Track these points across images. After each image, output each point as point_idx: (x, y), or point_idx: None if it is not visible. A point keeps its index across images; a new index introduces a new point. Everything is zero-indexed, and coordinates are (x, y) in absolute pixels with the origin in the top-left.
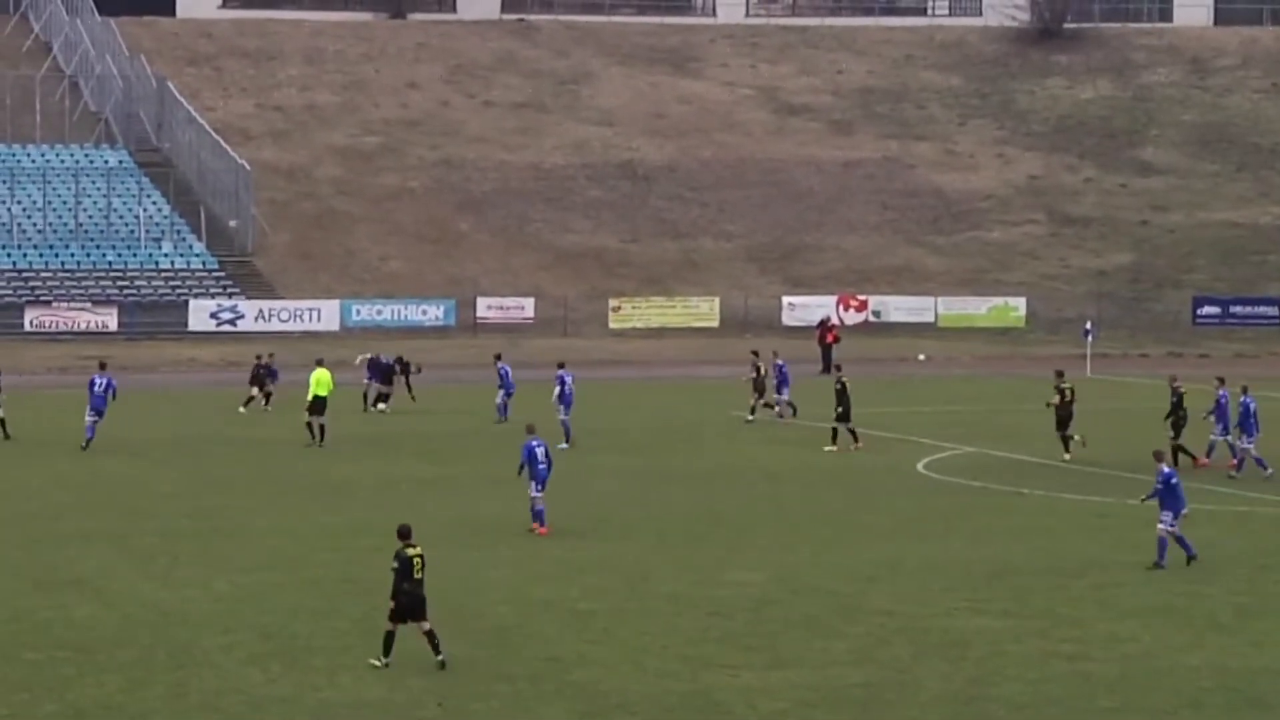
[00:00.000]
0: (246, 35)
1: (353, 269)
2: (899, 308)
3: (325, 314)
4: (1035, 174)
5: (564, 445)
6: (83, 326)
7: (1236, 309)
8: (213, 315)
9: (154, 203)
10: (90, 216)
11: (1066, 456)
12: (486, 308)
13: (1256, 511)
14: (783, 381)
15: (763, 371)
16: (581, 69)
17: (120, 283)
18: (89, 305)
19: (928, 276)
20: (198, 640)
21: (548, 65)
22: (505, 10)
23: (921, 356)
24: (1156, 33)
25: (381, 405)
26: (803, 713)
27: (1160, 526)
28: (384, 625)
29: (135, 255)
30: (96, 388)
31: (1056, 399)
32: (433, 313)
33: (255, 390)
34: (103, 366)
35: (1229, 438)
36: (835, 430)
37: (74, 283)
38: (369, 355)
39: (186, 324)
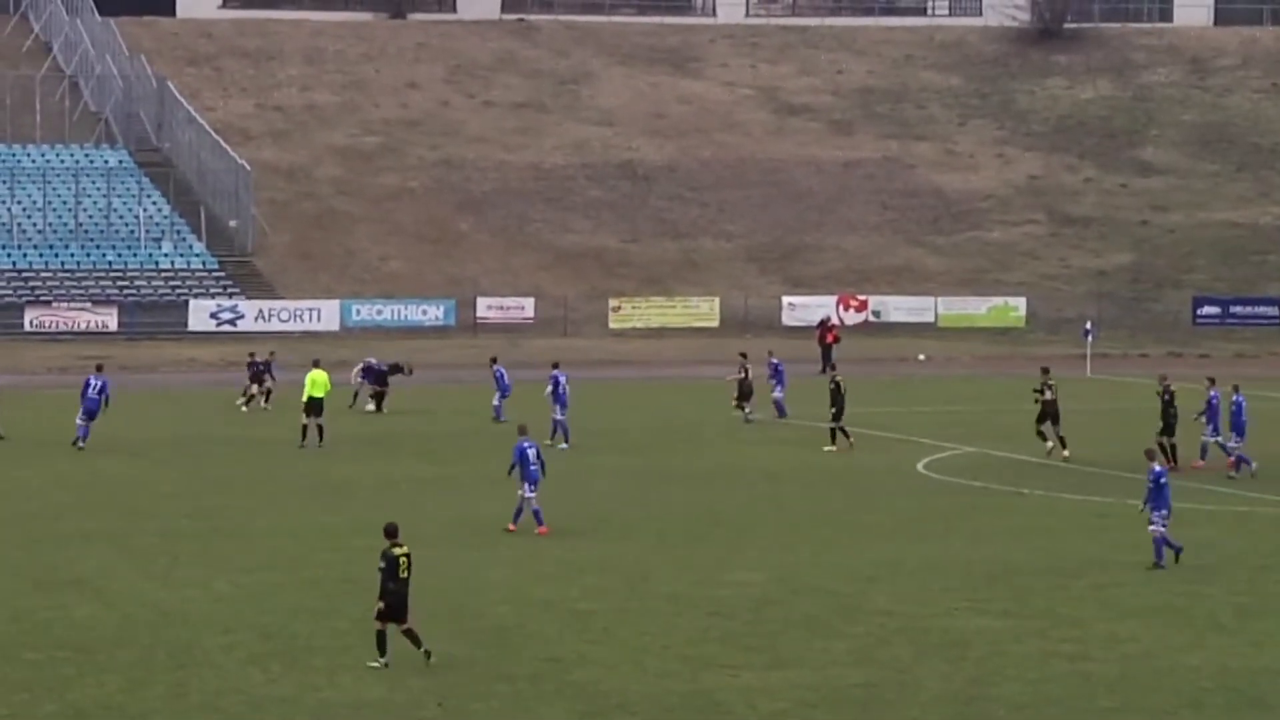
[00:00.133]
0: (246, 35)
1: (353, 269)
2: (899, 308)
3: (325, 314)
4: (1035, 174)
5: (564, 446)
6: (83, 326)
7: (1236, 309)
8: (213, 315)
9: (154, 203)
10: (90, 216)
11: (1049, 444)
12: (486, 308)
13: (1256, 511)
14: (778, 381)
15: (749, 375)
16: (581, 69)
17: (120, 283)
18: (89, 305)
19: (928, 276)
20: (198, 640)
21: (548, 65)
22: (505, 10)
23: (921, 356)
24: (1156, 33)
25: (370, 406)
26: (803, 713)
27: (1151, 527)
28: (374, 626)
29: (135, 255)
30: (90, 390)
31: (1049, 394)
32: (433, 313)
33: (255, 388)
34: (99, 368)
35: (1219, 438)
36: (833, 431)
37: (74, 283)
38: (363, 364)
39: (186, 324)
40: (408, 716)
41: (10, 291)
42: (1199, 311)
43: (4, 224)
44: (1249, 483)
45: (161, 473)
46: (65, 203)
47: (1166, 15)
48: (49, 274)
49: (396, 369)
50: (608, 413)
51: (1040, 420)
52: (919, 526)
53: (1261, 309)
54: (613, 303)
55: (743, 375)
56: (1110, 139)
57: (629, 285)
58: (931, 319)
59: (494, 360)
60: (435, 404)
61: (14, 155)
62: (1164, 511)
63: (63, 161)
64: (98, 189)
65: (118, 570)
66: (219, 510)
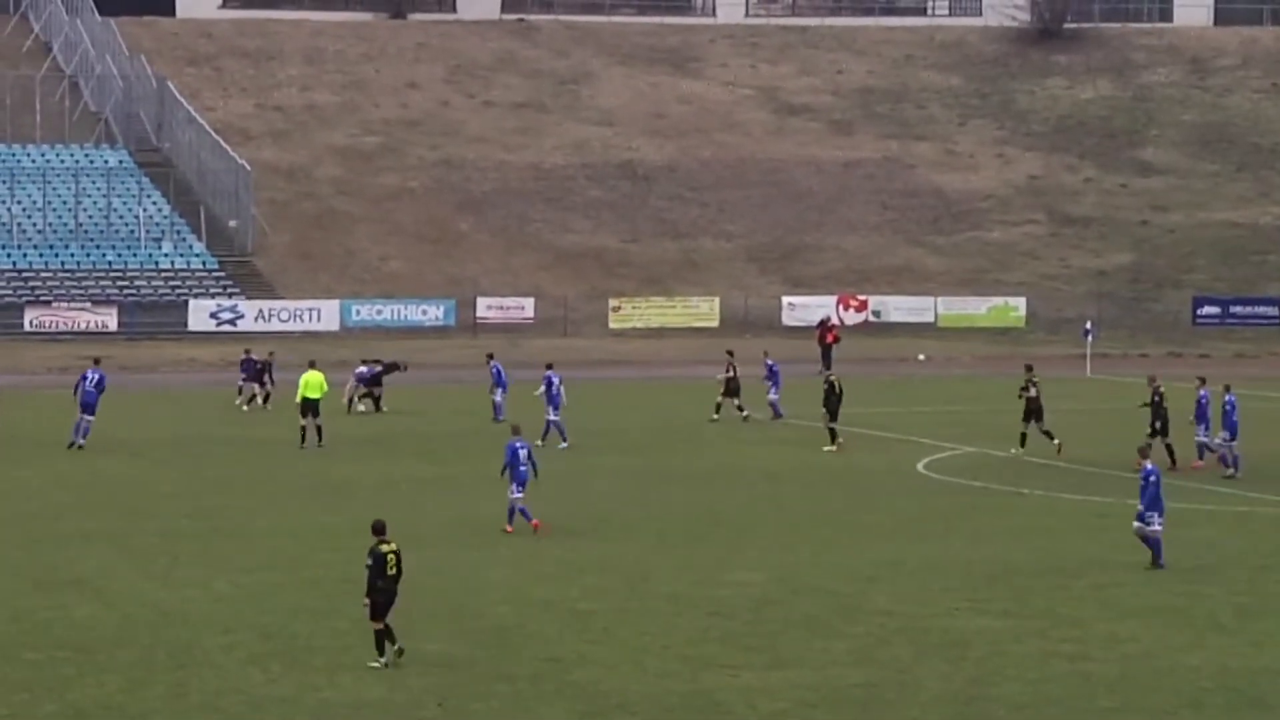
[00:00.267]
0: (246, 35)
1: (353, 269)
2: (899, 308)
3: (325, 314)
4: (1035, 174)
5: (563, 444)
6: (83, 326)
7: (1236, 309)
8: (213, 315)
9: (154, 203)
10: (90, 216)
11: (1057, 442)
12: (486, 308)
13: (1256, 512)
14: (774, 382)
15: (736, 372)
16: (581, 69)
17: (120, 283)
18: (89, 305)
19: (928, 276)
20: (198, 640)
21: (548, 65)
22: (505, 10)
23: (921, 356)
24: (1156, 33)
25: (361, 406)
26: (803, 713)
27: (1152, 528)
28: (371, 626)
29: (135, 255)
30: (87, 382)
31: (1033, 391)
32: (433, 313)
33: (256, 388)
34: (96, 362)
35: (1202, 438)
36: (832, 431)
37: (74, 283)
38: (355, 375)
39: (186, 324)
40: (408, 716)
41: (10, 291)
42: (1199, 312)
43: (4, 224)
44: (1249, 483)
45: (161, 473)
46: (65, 203)
47: (1166, 15)
48: (49, 274)
49: (393, 367)
50: (608, 413)
51: (1025, 419)
52: (919, 526)
53: (1261, 309)
54: (613, 303)
55: (730, 374)
56: (1110, 139)
57: (629, 285)
58: (931, 319)
59: (490, 356)
60: (435, 404)
61: (14, 155)
62: (1161, 510)
63: (63, 161)
64: (98, 189)
65: (118, 570)
66: (219, 510)
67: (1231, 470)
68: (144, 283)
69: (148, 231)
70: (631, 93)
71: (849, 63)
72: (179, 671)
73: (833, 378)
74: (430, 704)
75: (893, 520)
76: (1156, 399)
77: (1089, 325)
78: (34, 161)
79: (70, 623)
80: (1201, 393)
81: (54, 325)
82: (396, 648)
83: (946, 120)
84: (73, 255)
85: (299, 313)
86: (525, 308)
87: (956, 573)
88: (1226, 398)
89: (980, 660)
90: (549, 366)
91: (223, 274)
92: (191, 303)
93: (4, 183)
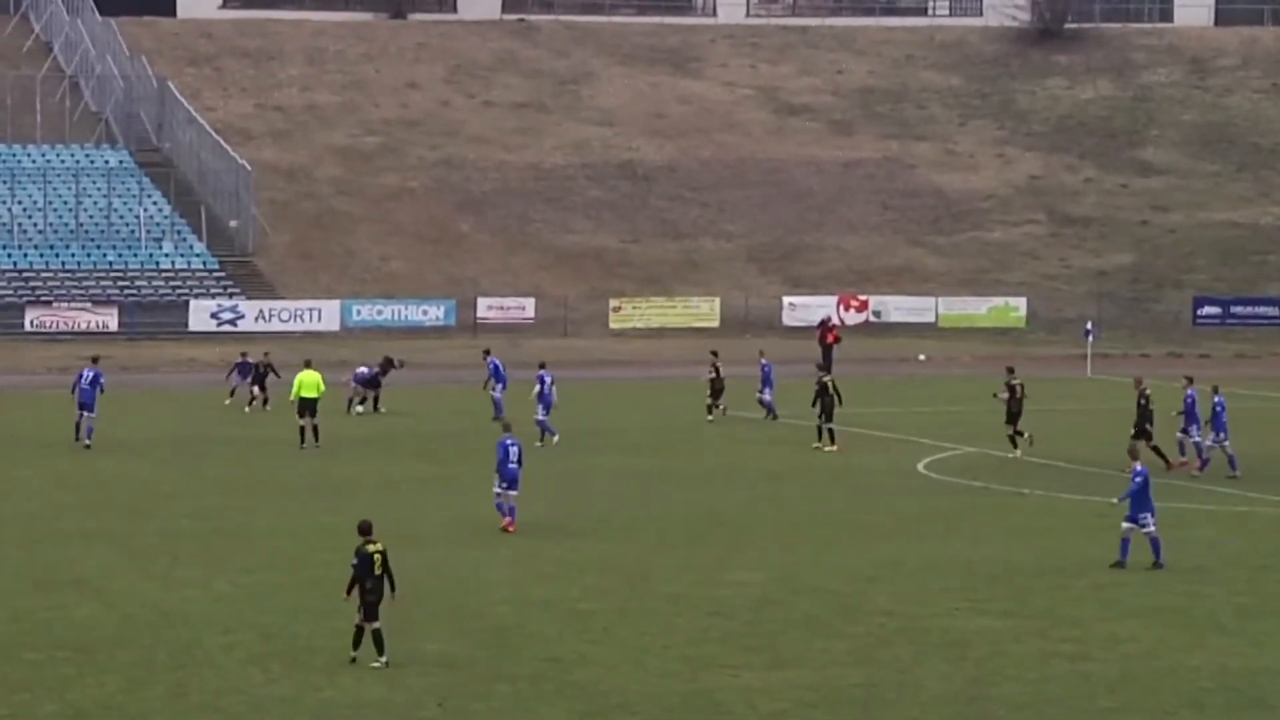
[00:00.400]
0: (247, 35)
1: (353, 269)
2: (899, 308)
3: (326, 314)
4: (1035, 174)
5: (538, 444)
6: (83, 327)
7: (1237, 309)
8: (213, 315)
9: (154, 203)
10: (91, 217)
11: (1015, 453)
12: (487, 308)
13: (1257, 512)
14: (766, 382)
15: (721, 373)
16: (582, 69)
17: (121, 283)
18: (89, 305)
19: (928, 277)
20: (198, 640)
21: (548, 65)
22: (505, 10)
23: (922, 357)
24: (1157, 33)
25: (359, 408)
26: (803, 713)
27: (1147, 529)
28: (365, 627)
29: (136, 255)
30: (83, 380)
31: (1005, 394)
32: (433, 313)
33: (256, 389)
34: (95, 360)
35: (1196, 438)
36: (831, 431)
37: (74, 283)
38: (354, 376)
39: (187, 324)
40: (408, 716)
41: (11, 291)
42: (1199, 312)
43: (4, 224)
44: (1249, 483)
45: (161, 473)
46: (66, 203)
47: (1167, 15)
48: (49, 274)
49: (389, 366)
50: (608, 413)
51: (1008, 421)
52: (919, 526)
53: (1262, 309)
54: (613, 303)
55: (714, 374)
56: (1110, 139)
57: (629, 285)
58: (932, 319)
59: (487, 352)
60: (435, 404)
61: (14, 155)
62: (1152, 510)
63: (63, 162)
64: (98, 189)
65: (118, 570)
66: (219, 510)
67: (1201, 469)
68: (144, 283)
69: (148, 232)
70: (632, 93)
71: (849, 63)
72: (179, 671)
73: (826, 379)
74: (430, 704)
75: (893, 520)
76: (1142, 400)
77: (1089, 325)
78: (34, 162)
79: (70, 623)
80: (1189, 393)
81: (54, 325)
82: (384, 660)
83: (947, 120)
84: (73, 255)
85: (299, 313)
86: (526, 308)
87: (957, 573)
88: (1215, 398)
89: (980, 660)
90: (542, 366)
91: (223, 274)
92: (192, 303)
93: (4, 183)
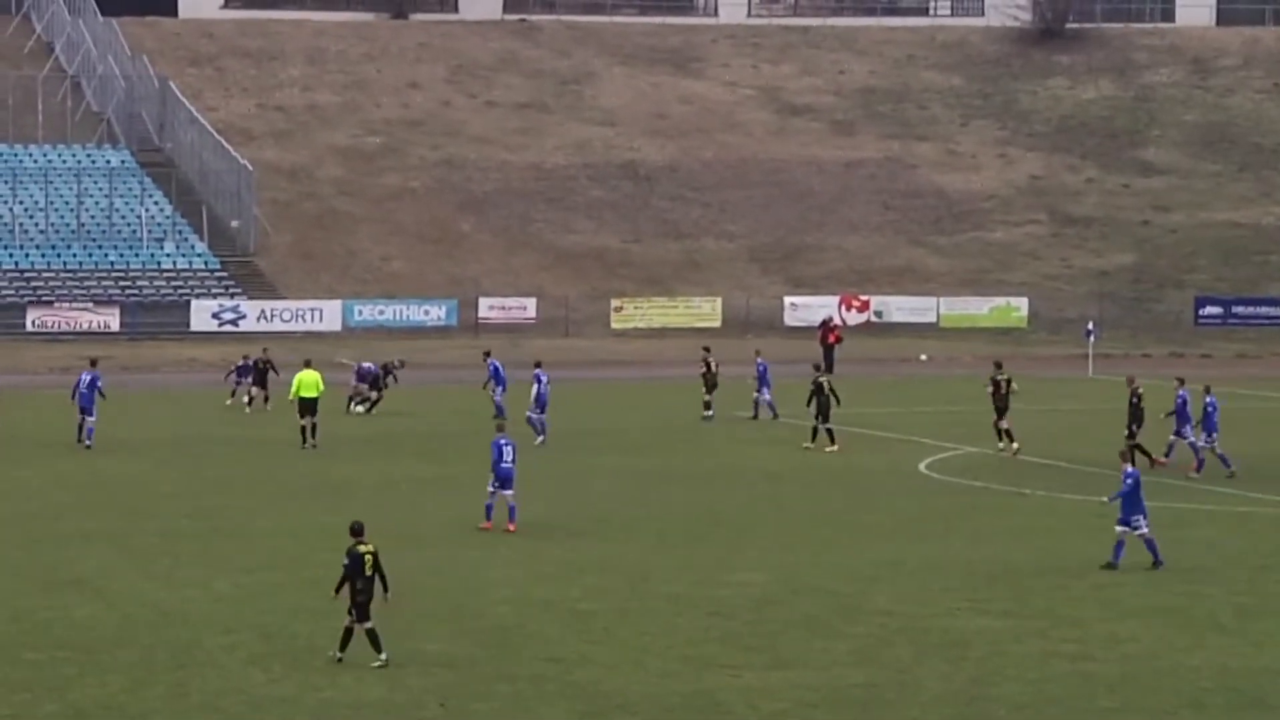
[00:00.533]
0: (248, 35)
1: (354, 269)
2: (901, 308)
3: (327, 314)
4: (1037, 174)
5: (538, 438)
6: (85, 327)
7: (1239, 309)
8: (215, 315)
9: (156, 203)
10: (92, 217)
11: (1001, 446)
12: (488, 308)
13: (1257, 512)
14: (763, 382)
15: (713, 368)
16: (583, 69)
17: (122, 283)
18: (91, 305)
19: (929, 277)
20: (199, 640)
21: (549, 65)
22: (507, 10)
23: (923, 357)
24: (1158, 33)
25: (360, 408)
26: (804, 713)
27: (1140, 531)
28: (357, 628)
29: (137, 255)
30: (82, 384)
31: (990, 388)
32: (434, 313)
33: (256, 389)
34: (93, 363)
35: (1190, 439)
36: (830, 431)
37: (76, 283)
38: (356, 369)
39: (188, 324)
40: (409, 717)
41: (12, 291)
42: (1201, 312)
43: (6, 224)
44: (1250, 483)
45: (162, 473)
46: (67, 203)
47: (1168, 15)
48: (51, 274)
49: (389, 371)
50: (609, 413)
51: (998, 417)
52: (920, 526)
53: (1264, 309)
54: (614, 303)
55: (705, 369)
56: (1112, 139)
57: (630, 285)
58: (933, 319)
59: (487, 354)
60: (436, 404)
61: (16, 155)
62: (1143, 512)
63: (65, 162)
64: (100, 189)
65: (118, 570)
66: (220, 510)
67: (1230, 470)
68: (146, 283)
69: (150, 232)
70: (633, 93)
71: (851, 63)
72: (180, 672)
73: (821, 379)
74: (431, 704)
75: (894, 520)
76: (1134, 400)
77: (1091, 325)
78: (36, 162)
79: (71, 623)
80: (1180, 394)
81: (56, 325)
82: (383, 659)
83: (948, 120)
84: (75, 255)
85: (301, 313)
86: (527, 308)
87: (957, 573)
88: (1207, 399)
89: (981, 660)
90: (537, 365)
91: (225, 274)
92: (193, 303)
93: (6, 183)
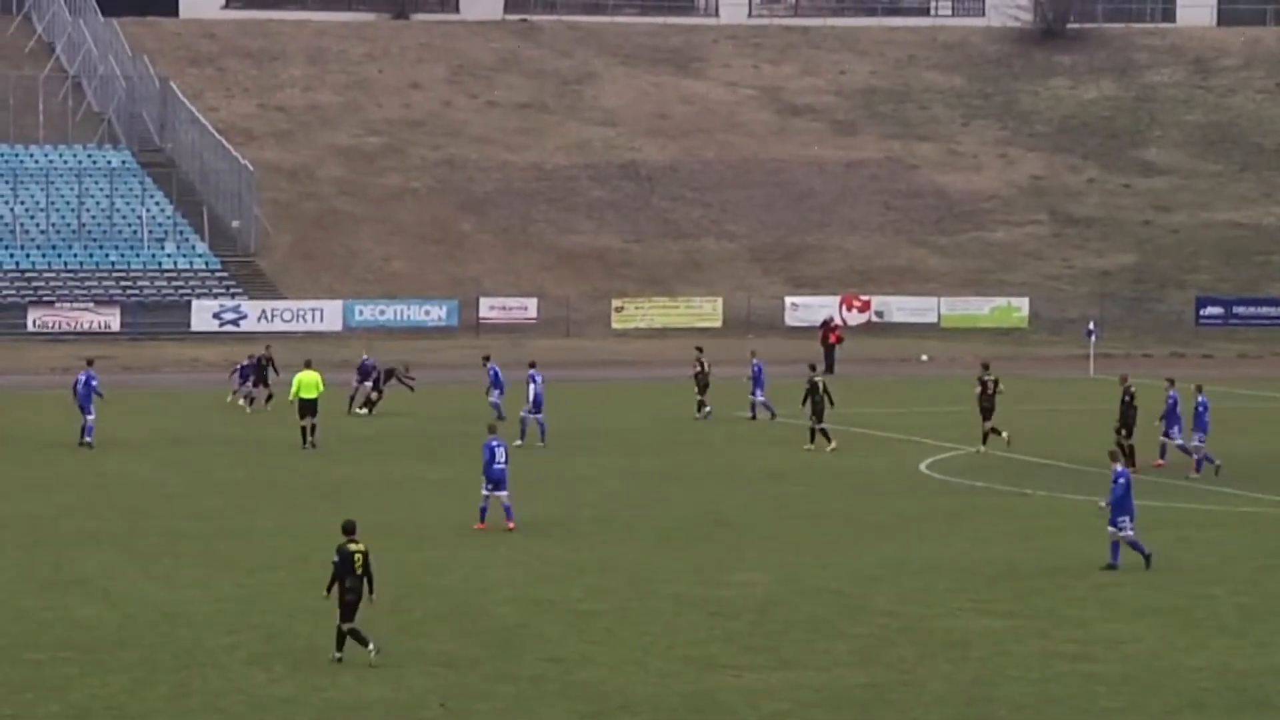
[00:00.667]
0: (249, 35)
1: (355, 269)
2: (902, 308)
3: (328, 314)
4: (1038, 174)
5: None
6: (85, 327)
7: (1240, 309)
8: (215, 315)
9: (157, 203)
10: (93, 217)
11: (983, 449)
12: (489, 308)
13: (1259, 513)
14: (757, 382)
15: (706, 367)
16: (584, 69)
17: (123, 283)
18: (92, 305)
19: (930, 277)
20: (201, 640)
21: (550, 65)
22: (508, 10)
23: (924, 357)
24: (1159, 33)
25: (362, 410)
26: (805, 713)
27: (1124, 533)
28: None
29: (138, 255)
30: (78, 385)
31: (978, 389)
32: (435, 313)
33: (258, 388)
34: (90, 363)
35: (1179, 440)
36: (825, 430)
37: (77, 283)
38: (365, 361)
39: (189, 324)
40: (410, 717)
41: (13, 291)
42: (1202, 312)
43: (7, 224)
44: (1249, 483)
45: (164, 473)
46: (68, 203)
47: (1169, 15)
48: (52, 274)
49: (390, 375)
50: (610, 413)
51: (985, 418)
52: (922, 527)
53: (1265, 309)
54: (615, 303)
55: (698, 369)
56: (1113, 139)
57: (631, 285)
58: (934, 319)
59: (487, 358)
60: (437, 404)
61: (17, 155)
62: (1127, 517)
63: (65, 162)
64: (100, 189)
65: (120, 570)
66: (221, 510)
67: (1215, 465)
68: (147, 283)
69: (150, 232)
70: (634, 93)
71: (852, 63)
72: (182, 672)
73: (817, 378)
74: (433, 704)
75: (895, 520)
76: (1126, 399)
77: (1092, 326)
78: (37, 162)
79: (73, 623)
80: (1171, 394)
81: (57, 325)
82: (372, 648)
83: (949, 120)
84: (75, 255)
85: (302, 313)
86: (528, 308)
87: (959, 573)
88: (1199, 399)
89: (983, 660)
90: (532, 365)
91: (225, 274)
92: (194, 303)
93: (7, 183)
